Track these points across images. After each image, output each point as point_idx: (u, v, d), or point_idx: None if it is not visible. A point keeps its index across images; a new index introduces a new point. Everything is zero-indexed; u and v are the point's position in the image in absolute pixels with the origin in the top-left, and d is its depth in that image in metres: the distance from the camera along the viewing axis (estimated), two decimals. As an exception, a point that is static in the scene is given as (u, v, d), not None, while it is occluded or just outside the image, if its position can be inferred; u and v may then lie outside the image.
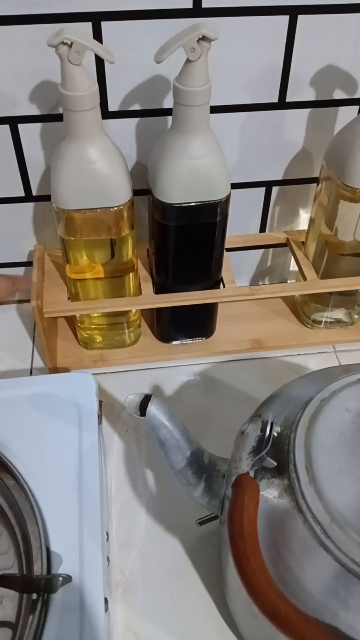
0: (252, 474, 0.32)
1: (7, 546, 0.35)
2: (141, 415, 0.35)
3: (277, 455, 0.33)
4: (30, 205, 0.55)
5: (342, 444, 0.32)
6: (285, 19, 0.46)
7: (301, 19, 0.46)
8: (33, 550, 0.35)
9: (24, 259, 0.60)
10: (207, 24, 0.38)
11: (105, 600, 0.34)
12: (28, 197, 0.55)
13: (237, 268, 0.61)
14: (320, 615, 0.28)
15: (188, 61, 0.39)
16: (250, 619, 0.35)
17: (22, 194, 0.54)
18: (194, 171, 0.43)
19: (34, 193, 0.54)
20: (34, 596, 0.33)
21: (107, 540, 0.41)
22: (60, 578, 0.32)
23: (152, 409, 0.34)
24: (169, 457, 0.37)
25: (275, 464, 0.32)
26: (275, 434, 0.33)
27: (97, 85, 0.39)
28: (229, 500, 0.31)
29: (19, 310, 0.63)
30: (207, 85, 0.40)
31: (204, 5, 0.44)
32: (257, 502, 0.30)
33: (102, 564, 0.35)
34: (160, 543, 0.45)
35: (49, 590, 0.33)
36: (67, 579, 0.33)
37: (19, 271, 0.61)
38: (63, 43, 0.37)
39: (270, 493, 0.32)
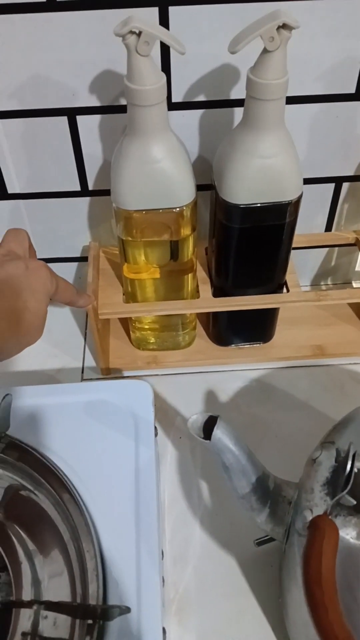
0: (328, 511, 0.30)
1: (61, 566, 0.34)
2: (205, 438, 0.33)
3: (356, 491, 0.30)
4: (86, 200, 0.53)
5: None
6: (367, 3, 0.41)
7: (387, 1, 0.41)
8: (88, 570, 0.33)
9: (78, 254, 0.58)
10: (287, 12, 0.34)
11: (164, 630, 0.32)
12: (84, 191, 0.53)
13: (298, 267, 0.58)
14: None
15: (265, 51, 0.35)
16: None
17: (78, 188, 0.52)
18: (265, 171, 0.40)
19: (90, 188, 0.52)
20: (90, 621, 0.32)
21: (163, 558, 0.40)
22: (118, 609, 0.31)
23: (218, 432, 0.32)
24: (233, 481, 0.34)
25: (355, 502, 0.29)
26: (357, 470, 0.30)
27: (165, 78, 0.37)
28: (306, 542, 0.28)
29: (71, 307, 0.62)
30: (285, 77, 0.36)
31: (281, -13, 0.40)
32: (336, 547, 0.27)
33: (160, 590, 0.33)
34: (216, 560, 0.43)
35: (105, 618, 0.31)
36: (125, 610, 0.31)
37: (73, 267, 0.60)
38: (131, 32, 0.34)
39: (346, 532, 0.29)
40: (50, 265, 0.57)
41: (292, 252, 0.54)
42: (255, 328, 0.55)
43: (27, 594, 0.32)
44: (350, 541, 0.29)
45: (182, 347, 0.56)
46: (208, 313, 0.55)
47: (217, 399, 0.54)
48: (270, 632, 0.40)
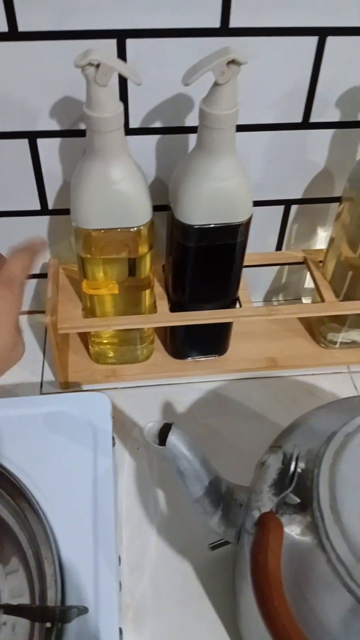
0: (273, 509, 0.32)
1: (20, 573, 0.35)
2: (160, 444, 0.34)
3: (300, 491, 0.32)
4: (45, 219, 0.55)
5: (367, 482, 0.31)
6: (314, 40, 0.45)
7: (330, 40, 0.45)
8: (47, 576, 0.34)
9: (37, 271, 0.59)
10: (237, 48, 0.37)
11: (120, 630, 0.34)
12: (44, 210, 0.54)
13: (251, 284, 0.60)
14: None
15: (216, 84, 0.38)
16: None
17: (38, 207, 0.54)
18: (218, 194, 0.42)
19: (50, 207, 0.54)
20: (48, 624, 0.33)
21: (120, 564, 0.41)
22: (76, 609, 0.32)
23: (173, 438, 0.34)
24: (187, 486, 0.36)
25: (299, 500, 0.32)
26: (300, 470, 0.32)
27: (122, 107, 0.39)
28: (253, 538, 0.30)
29: (30, 321, 0.63)
30: (235, 108, 0.39)
31: (232, 25, 0.44)
32: (281, 542, 0.29)
33: (117, 593, 0.35)
34: (172, 567, 0.45)
35: (63, 620, 0.33)
36: (83, 610, 0.32)
37: (32, 283, 0.61)
38: (90, 64, 0.36)
39: (292, 530, 0.31)
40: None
41: (246, 269, 0.57)
42: (211, 341, 0.57)
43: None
44: (295, 537, 0.31)
45: (141, 361, 0.58)
46: (165, 327, 0.57)
47: (174, 410, 0.56)
48: (225, 635, 0.42)
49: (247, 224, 0.45)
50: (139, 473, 0.50)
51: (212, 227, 0.44)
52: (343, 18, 0.44)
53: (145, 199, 0.43)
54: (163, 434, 0.35)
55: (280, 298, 0.66)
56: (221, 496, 0.37)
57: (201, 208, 0.43)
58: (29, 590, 0.35)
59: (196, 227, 0.44)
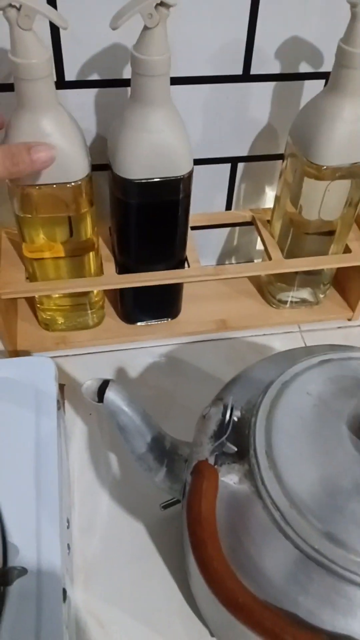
0: (212, 460, 0.32)
1: None
2: (99, 401, 0.34)
3: (238, 440, 0.32)
4: (-15, 180, 0.53)
5: (303, 429, 0.31)
6: (249, -11, 0.44)
7: (265, -12, 0.44)
8: (-13, 540, 0.34)
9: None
10: (164, -11, 0.36)
11: (64, 590, 0.33)
12: (-17, 171, 0.52)
13: (202, 247, 0.60)
14: (280, 602, 0.28)
15: (146, 28, 0.37)
16: (211, 605, 0.35)
17: (-24, 168, 0.52)
18: (154, 146, 0.41)
19: (-11, 168, 0.52)
20: (-11, 588, 0.32)
21: (68, 527, 0.41)
22: (16, 570, 0.31)
23: (110, 394, 0.33)
24: (130, 442, 0.36)
25: (236, 449, 0.31)
26: (236, 419, 0.32)
27: (51, 52, 0.37)
28: (189, 487, 0.30)
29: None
30: (167, 54, 0.38)
31: (164, -31, 0.42)
32: (215, 489, 0.29)
33: (61, 554, 0.34)
34: (124, 527, 0.45)
35: (4, 583, 0.32)
36: (22, 571, 0.32)
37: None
38: (11, 5, 0.34)
39: (230, 479, 0.31)
40: None
41: (196, 232, 0.56)
42: (162, 305, 0.57)
43: None
44: (233, 486, 0.31)
45: (92, 327, 0.57)
46: (115, 292, 0.56)
47: (126, 375, 0.55)
48: (176, 590, 0.42)
49: (188, 179, 0.44)
50: (91, 438, 0.50)
51: (152, 181, 0.43)
52: None
53: (80, 152, 0.42)
54: (102, 391, 0.34)
55: (234, 261, 0.66)
56: (165, 452, 0.37)
57: (138, 161, 0.42)
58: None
59: (135, 181, 0.43)
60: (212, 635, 0.39)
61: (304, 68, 0.49)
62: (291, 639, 0.26)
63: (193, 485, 0.29)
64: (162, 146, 0.41)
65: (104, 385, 0.34)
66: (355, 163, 0.46)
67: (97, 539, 0.44)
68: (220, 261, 0.65)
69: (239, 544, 0.30)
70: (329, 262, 0.53)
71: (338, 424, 0.31)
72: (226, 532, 0.30)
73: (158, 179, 0.43)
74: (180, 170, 0.43)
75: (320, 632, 0.26)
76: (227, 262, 0.66)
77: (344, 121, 0.43)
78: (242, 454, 0.32)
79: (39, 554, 0.34)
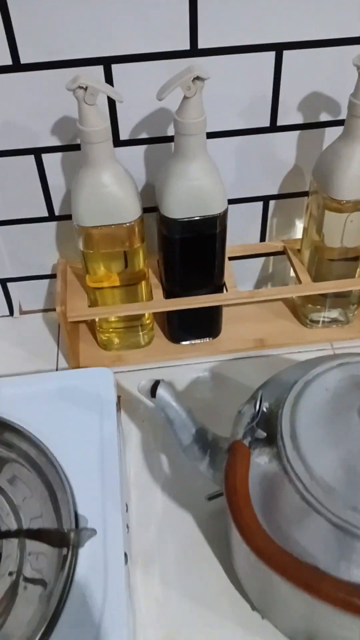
0: (246, 444, 0.38)
1: (42, 511, 0.42)
2: (152, 397, 0.41)
3: (268, 428, 0.39)
4: (53, 224, 0.62)
5: (321, 418, 0.38)
6: (272, 55, 0.52)
7: (286, 54, 0.52)
8: (63, 514, 0.41)
9: (49, 272, 0.67)
10: (199, 66, 0.44)
11: (125, 554, 0.40)
12: (51, 216, 0.62)
13: (241, 275, 0.68)
14: (301, 556, 0.33)
15: (185, 98, 0.45)
16: (250, 576, 0.41)
17: (45, 214, 0.61)
18: (193, 191, 0.50)
19: (56, 213, 0.61)
20: (65, 551, 0.39)
21: (127, 511, 0.47)
22: (87, 531, 0.38)
23: (161, 391, 0.41)
24: (177, 434, 0.43)
25: (265, 434, 0.38)
26: (265, 409, 0.38)
27: (109, 122, 0.47)
28: (225, 463, 0.37)
29: (44, 318, 0.70)
30: (202, 117, 0.46)
31: (200, 46, 0.51)
32: (247, 463, 0.36)
33: (122, 525, 0.41)
34: (175, 519, 0.51)
35: (77, 545, 0.39)
36: (93, 532, 0.39)
37: (45, 284, 0.68)
38: (79, 87, 0.44)
39: (262, 460, 0.38)
40: (25, 282, 0.67)
41: (235, 261, 0.64)
42: (204, 326, 0.64)
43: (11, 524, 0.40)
44: (264, 466, 0.37)
45: (143, 346, 0.65)
46: (163, 314, 0.64)
47: (174, 388, 0.62)
48: (222, 573, 0.47)
49: (224, 216, 0.52)
50: (145, 443, 0.57)
51: (192, 220, 0.51)
52: (296, 34, 0.51)
53: (133, 198, 0.51)
54: (154, 390, 0.42)
55: (270, 287, 0.73)
56: (208, 443, 0.44)
57: (180, 204, 0.50)
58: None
59: (178, 220, 0.51)
60: (253, 609, 0.44)
61: (324, 117, 0.57)
62: (316, 584, 0.31)
63: (228, 461, 0.36)
64: (200, 191, 0.50)
65: (155, 384, 0.42)
66: (370, 196, 0.53)
67: (152, 529, 0.50)
68: (258, 287, 0.73)
69: (270, 514, 0.36)
70: (352, 285, 0.59)
71: (350, 414, 0.37)
72: (260, 505, 0.36)
73: (198, 218, 0.51)
74: (216, 210, 0.51)
75: (341, 581, 0.32)
76: (263, 288, 0.73)
77: (357, 162, 0.50)
78: (271, 440, 0.38)
79: (105, 524, 0.41)
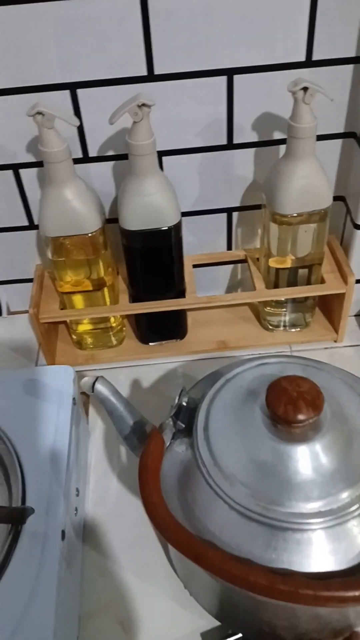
0: (169, 433, 0.43)
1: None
2: (92, 392, 0.46)
3: (189, 420, 0.43)
4: (33, 233, 0.68)
5: (231, 412, 0.42)
6: (224, 79, 0.57)
7: (237, 77, 0.57)
8: (13, 493, 0.47)
9: (31, 276, 0.73)
10: (146, 94, 0.49)
11: (63, 532, 0.45)
12: (31, 225, 0.67)
13: (212, 281, 0.73)
14: (207, 536, 0.38)
15: (134, 122, 0.50)
16: (178, 562, 0.45)
17: (26, 223, 0.67)
18: (147, 205, 0.54)
19: (35, 223, 0.67)
20: (10, 527, 0.44)
21: (78, 495, 0.53)
22: (29, 509, 0.44)
23: (98, 386, 0.46)
24: (117, 425, 0.48)
25: (183, 425, 0.43)
26: (184, 403, 0.43)
27: (67, 144, 0.52)
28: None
29: (29, 319, 0.76)
30: (151, 139, 0.51)
31: (156, 72, 0.56)
32: (161, 447, 0.40)
33: (64, 505, 0.46)
34: (127, 502, 0.56)
35: (20, 521, 0.44)
36: (31, 510, 0.44)
37: (28, 287, 0.74)
38: (38, 113, 0.49)
39: (180, 448, 0.42)
40: (10, 285, 0.73)
41: (206, 268, 0.68)
42: (170, 328, 0.69)
43: None
44: (181, 454, 0.42)
45: (114, 346, 0.70)
46: (132, 316, 0.69)
47: (141, 386, 0.67)
48: (162, 554, 0.52)
49: (177, 228, 0.57)
50: (107, 435, 0.62)
51: (147, 231, 0.56)
52: (246, 59, 0.56)
53: (94, 212, 0.56)
54: (94, 386, 0.47)
55: (240, 292, 0.77)
56: (146, 434, 0.48)
57: (136, 217, 0.55)
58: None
59: (135, 231, 0.56)
60: (185, 587, 0.49)
61: (277, 135, 0.61)
62: (203, 555, 0.36)
63: (146, 445, 0.41)
64: (153, 205, 0.55)
65: (95, 380, 0.47)
66: (313, 211, 0.57)
67: (106, 509, 0.56)
68: (229, 292, 0.77)
69: (185, 500, 0.41)
70: (302, 292, 0.63)
71: (254, 407, 0.41)
72: (177, 490, 0.41)
73: (152, 229, 0.56)
74: (169, 222, 0.56)
75: (226, 554, 0.36)
76: (233, 293, 0.77)
77: (297, 178, 0.54)
78: (189, 431, 0.43)
79: (48, 504, 0.46)
